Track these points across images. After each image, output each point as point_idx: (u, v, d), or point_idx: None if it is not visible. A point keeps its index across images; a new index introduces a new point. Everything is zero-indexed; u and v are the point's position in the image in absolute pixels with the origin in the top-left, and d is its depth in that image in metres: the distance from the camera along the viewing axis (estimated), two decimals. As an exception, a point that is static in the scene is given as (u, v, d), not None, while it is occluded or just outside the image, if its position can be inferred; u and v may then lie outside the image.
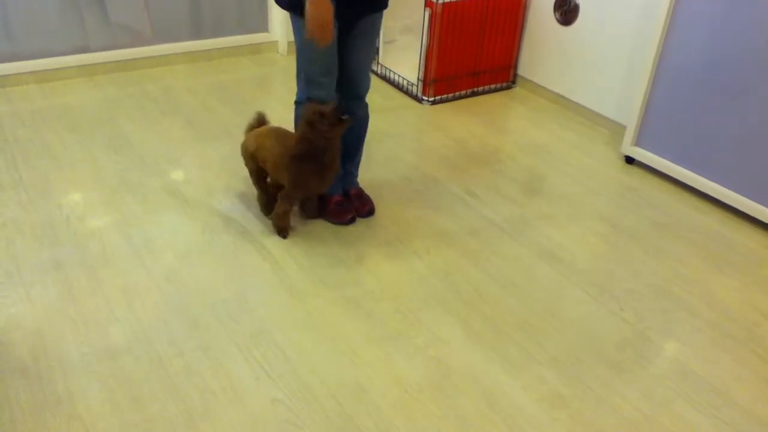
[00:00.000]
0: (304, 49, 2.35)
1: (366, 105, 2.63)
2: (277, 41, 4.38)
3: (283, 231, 2.56)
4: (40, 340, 2.05)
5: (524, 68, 4.06)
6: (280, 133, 2.52)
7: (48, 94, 3.61)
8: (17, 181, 2.82)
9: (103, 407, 1.84)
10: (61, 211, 2.65)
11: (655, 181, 3.16)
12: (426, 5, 3.60)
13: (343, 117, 2.30)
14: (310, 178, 2.41)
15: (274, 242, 2.55)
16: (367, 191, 2.81)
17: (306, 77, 2.41)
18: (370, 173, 3.01)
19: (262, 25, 4.35)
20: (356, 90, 2.54)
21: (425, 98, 3.83)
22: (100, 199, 2.75)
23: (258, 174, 2.58)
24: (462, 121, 3.65)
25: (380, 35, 4.08)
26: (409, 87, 3.91)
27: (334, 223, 2.67)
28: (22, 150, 3.05)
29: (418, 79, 3.82)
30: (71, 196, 2.75)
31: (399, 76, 4.00)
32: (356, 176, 2.82)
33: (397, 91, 3.98)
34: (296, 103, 2.52)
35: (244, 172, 2.97)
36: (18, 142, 3.11)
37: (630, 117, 3.21)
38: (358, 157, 2.77)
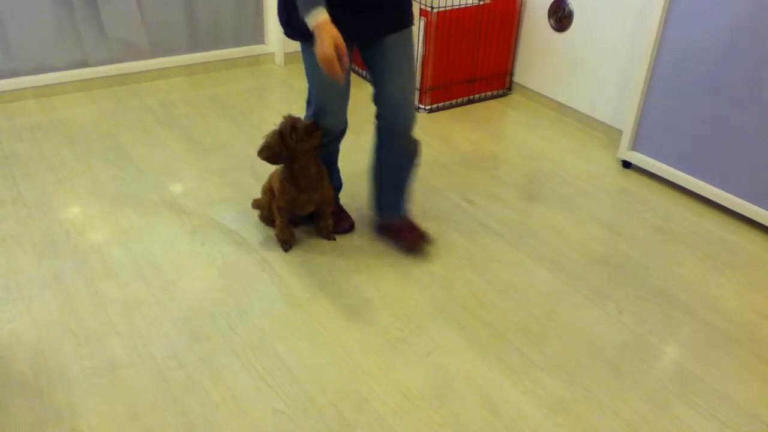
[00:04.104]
0: (312, 76, 2.31)
1: (415, 142, 2.36)
2: (273, 53, 4.40)
3: (285, 244, 2.57)
4: (40, 354, 2.05)
5: (520, 75, 4.08)
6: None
7: (46, 109, 3.63)
8: (16, 196, 2.82)
9: (104, 421, 1.84)
10: (61, 225, 2.66)
11: (653, 184, 3.17)
12: (421, 14, 3.62)
13: (314, 130, 2.32)
14: (287, 187, 2.44)
15: (273, 253, 2.55)
16: (364, 201, 2.81)
17: (315, 104, 2.35)
18: (367, 183, 3.01)
19: (259, 37, 4.37)
20: (396, 126, 2.29)
21: (422, 107, 3.84)
22: (99, 212, 2.75)
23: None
24: (459, 129, 3.66)
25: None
26: (406, 95, 3.92)
27: (334, 231, 2.67)
28: (21, 165, 3.06)
29: (414, 87, 3.83)
30: (70, 210, 2.76)
31: (395, 84, 4.01)
32: (401, 209, 2.60)
33: (394, 99, 3.99)
34: None
35: (243, 183, 2.99)
36: (16, 157, 3.12)
37: (626, 121, 3.22)
38: (401, 194, 2.56)
